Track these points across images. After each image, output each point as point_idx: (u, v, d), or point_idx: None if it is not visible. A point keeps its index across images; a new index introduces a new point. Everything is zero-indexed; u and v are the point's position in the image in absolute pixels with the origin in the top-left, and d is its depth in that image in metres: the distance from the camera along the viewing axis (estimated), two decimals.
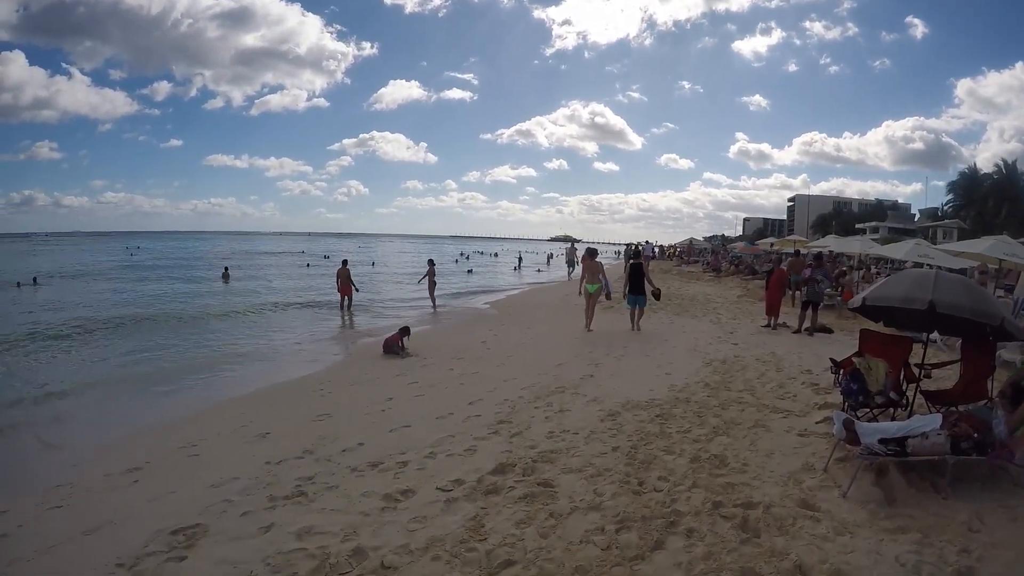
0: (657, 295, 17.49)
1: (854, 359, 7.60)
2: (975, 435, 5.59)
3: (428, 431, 7.83)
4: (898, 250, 22.95)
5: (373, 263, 56.44)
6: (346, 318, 21.35)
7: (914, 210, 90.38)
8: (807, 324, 15.10)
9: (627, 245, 40.93)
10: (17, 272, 38.42)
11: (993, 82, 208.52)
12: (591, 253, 16.99)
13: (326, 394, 10.28)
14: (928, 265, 19.19)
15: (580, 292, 16.80)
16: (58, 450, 7.82)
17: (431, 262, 23.75)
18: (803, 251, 25.33)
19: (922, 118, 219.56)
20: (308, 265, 52.93)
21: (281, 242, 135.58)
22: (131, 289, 31.57)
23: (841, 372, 7.62)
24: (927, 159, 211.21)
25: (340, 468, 6.60)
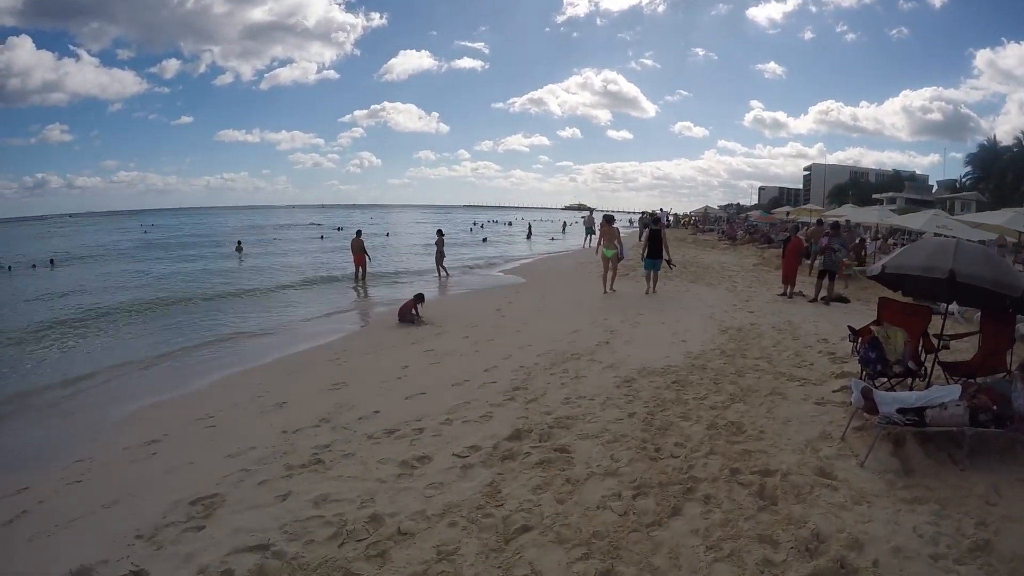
0: (670, 264, 17.59)
1: (873, 327, 7.48)
2: (994, 407, 5.48)
3: (444, 398, 7.82)
4: (916, 220, 22.56)
5: (388, 234, 56.34)
6: (360, 288, 21.37)
7: (932, 181, 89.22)
8: (823, 293, 14.91)
9: (642, 213, 40.53)
10: (33, 254, 38.65)
11: (1013, 53, 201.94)
12: (608, 219, 17.56)
13: (342, 363, 10.29)
14: (947, 236, 18.87)
15: (597, 253, 17.23)
16: (77, 426, 7.85)
17: (440, 232, 23.65)
18: (824, 220, 24.97)
19: (940, 88, 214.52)
20: (322, 237, 52.96)
21: (295, 215, 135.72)
22: (146, 269, 31.51)
23: (859, 340, 7.49)
24: (945, 130, 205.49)
25: (356, 436, 6.60)
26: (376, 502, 4.97)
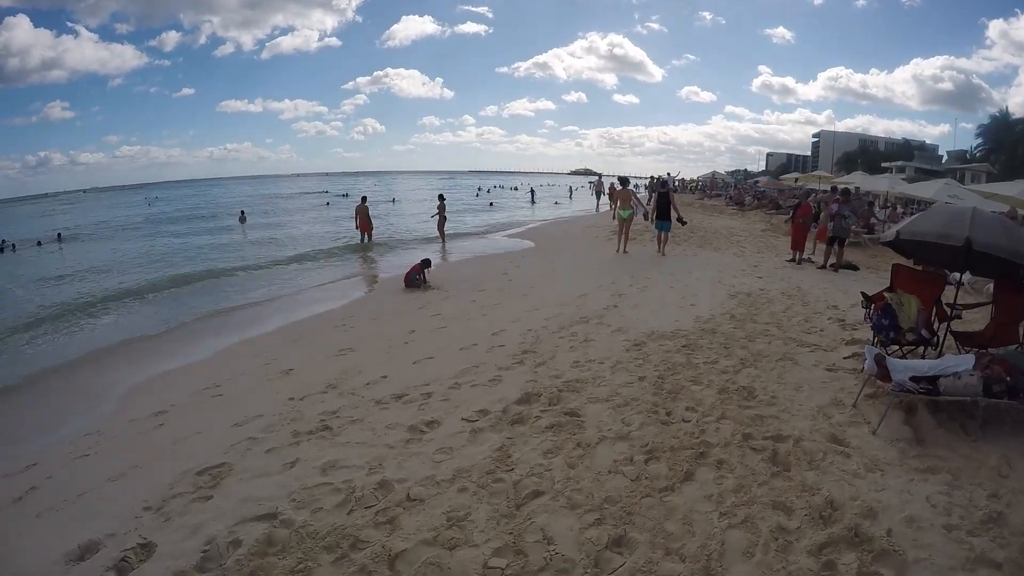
0: (682, 222, 18.03)
1: (886, 294, 7.34)
2: (1008, 379, 5.36)
3: (452, 362, 7.74)
4: (927, 189, 22.22)
5: (394, 200, 56.01)
6: (366, 254, 21.20)
7: (941, 151, 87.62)
8: (832, 260, 14.73)
9: (650, 178, 40.18)
10: (39, 231, 38.31)
11: None
12: (622, 181, 18.66)
13: (348, 329, 10.21)
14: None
15: (614, 218, 18.22)
16: (85, 400, 7.78)
17: (441, 197, 23.46)
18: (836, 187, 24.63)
19: (952, 57, 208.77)
20: (328, 204, 52.78)
21: (300, 183, 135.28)
22: (151, 242, 31.39)
23: (872, 307, 7.35)
24: (956, 100, 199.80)
25: (364, 401, 6.53)
26: (385, 468, 4.90)
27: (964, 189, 22.10)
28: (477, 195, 62.54)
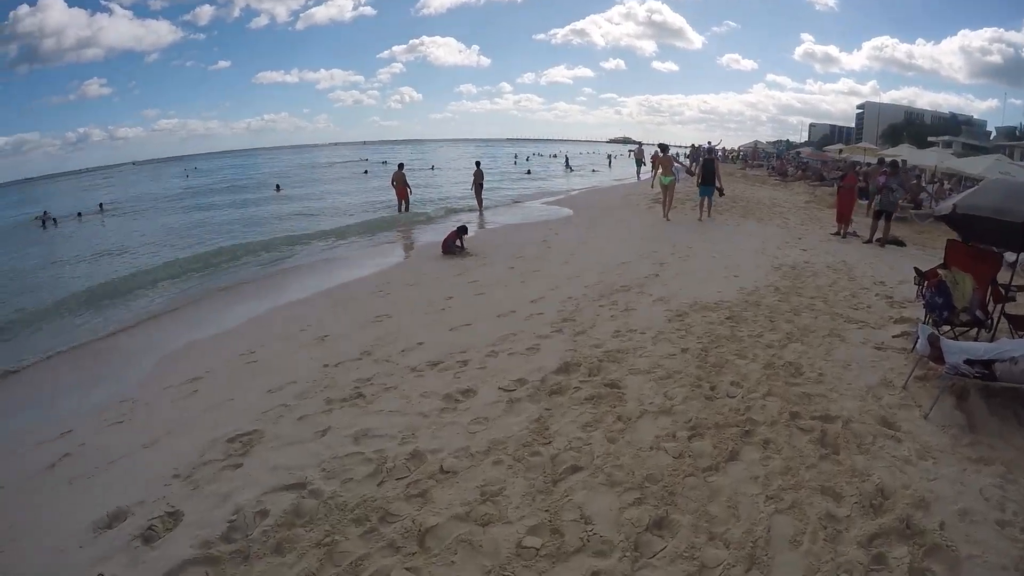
0: (720, 192, 18.46)
1: (940, 271, 6.95)
2: None
3: (489, 330, 7.55)
4: (976, 165, 21.28)
5: (433, 167, 55.78)
6: (403, 220, 21.06)
7: (990, 127, 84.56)
8: (879, 235, 14.13)
9: (691, 146, 39.35)
10: (81, 204, 39.18)
11: None
12: (663, 148, 18.40)
13: (385, 295, 10.06)
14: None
15: (652, 186, 18.74)
16: (122, 367, 7.78)
17: (477, 164, 23.16)
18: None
19: (1001, 30, 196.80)
20: (366, 172, 52.74)
21: (338, 152, 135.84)
22: (186, 215, 31.59)
23: (925, 283, 6.94)
24: (1005, 74, 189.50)
25: (399, 369, 6.38)
26: (418, 438, 4.75)
27: (1017, 166, 21.11)
28: (515, 163, 62.06)
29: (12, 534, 4.23)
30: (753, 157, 54.04)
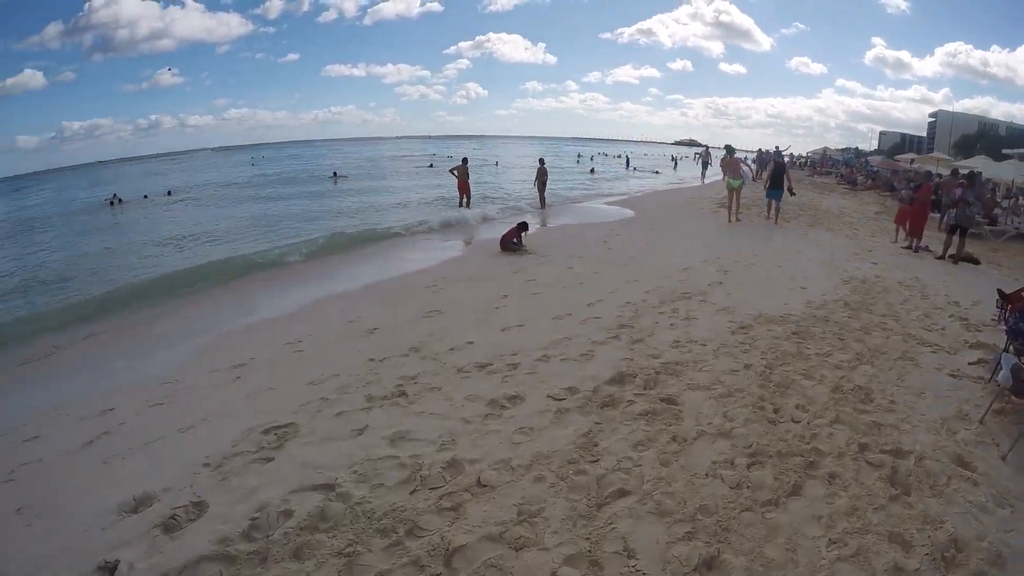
0: (791, 191, 18.50)
1: None
2: None
3: (543, 332, 7.24)
4: None
5: (497, 163, 55.70)
6: (464, 215, 20.89)
7: None
8: (952, 251, 13.27)
9: (757, 151, 38.22)
10: (149, 187, 40.55)
11: None
12: (730, 150, 18.29)
13: (439, 290, 9.85)
14: None
15: (726, 183, 18.01)
16: (169, 349, 7.77)
17: (541, 161, 22.85)
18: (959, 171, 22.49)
19: None
20: (431, 166, 52.89)
21: (404, 145, 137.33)
22: (253, 200, 32.27)
23: (1008, 307, 6.34)
24: None
25: (445, 368, 6.14)
26: (457, 445, 4.49)
27: None
28: (577, 161, 61.46)
29: (42, 509, 4.22)
30: (822, 164, 52.18)
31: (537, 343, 6.80)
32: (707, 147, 44.44)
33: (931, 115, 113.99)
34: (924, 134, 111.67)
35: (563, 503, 3.78)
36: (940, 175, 24.11)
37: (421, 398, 5.37)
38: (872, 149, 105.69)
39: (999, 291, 6.88)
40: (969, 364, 6.47)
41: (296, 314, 8.92)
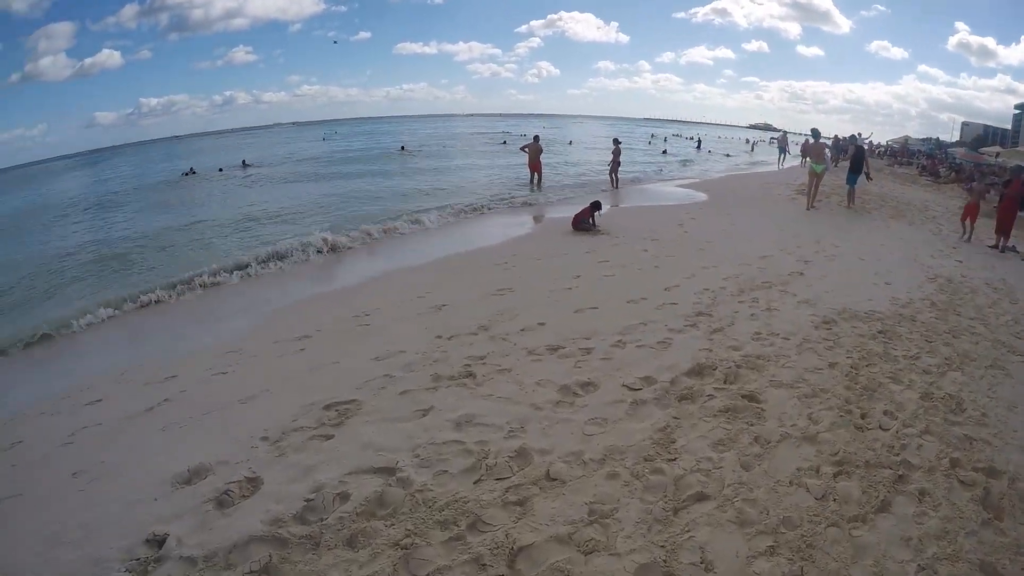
0: (868, 176, 18.37)
1: None
2: None
3: (617, 316, 6.87)
4: None
5: (570, 142, 54.93)
6: (535, 194, 20.59)
7: None
8: None
9: (834, 137, 36.62)
10: (225, 160, 41.69)
11: None
12: (815, 135, 18.27)
13: (509, 268, 9.60)
14: None
15: (804, 166, 18.37)
16: (237, 316, 7.78)
17: (616, 141, 22.29)
18: None
19: None
20: (504, 143, 52.62)
21: (475, 123, 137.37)
22: (322, 172, 32.68)
23: None
24: None
25: (515, 349, 5.86)
26: (526, 433, 4.19)
27: None
28: (650, 142, 60.21)
29: (97, 474, 4.17)
30: (902, 154, 49.50)
31: (611, 327, 6.44)
32: (785, 132, 43.00)
33: (1017, 106, 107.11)
34: (1009, 126, 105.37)
35: (637, 504, 3.46)
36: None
37: (489, 380, 5.11)
38: (954, 140, 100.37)
39: None
40: None
41: (363, 286, 8.84)
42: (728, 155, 48.39)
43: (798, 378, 5.28)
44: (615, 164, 21.87)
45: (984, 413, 4.92)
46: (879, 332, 6.68)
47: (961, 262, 11.27)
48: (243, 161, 38.35)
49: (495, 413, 4.47)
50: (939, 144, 79.15)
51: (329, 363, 5.70)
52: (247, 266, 10.72)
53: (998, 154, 42.00)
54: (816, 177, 16.94)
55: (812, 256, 10.57)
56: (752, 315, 7.06)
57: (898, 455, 4.12)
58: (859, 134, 28.18)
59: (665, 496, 3.53)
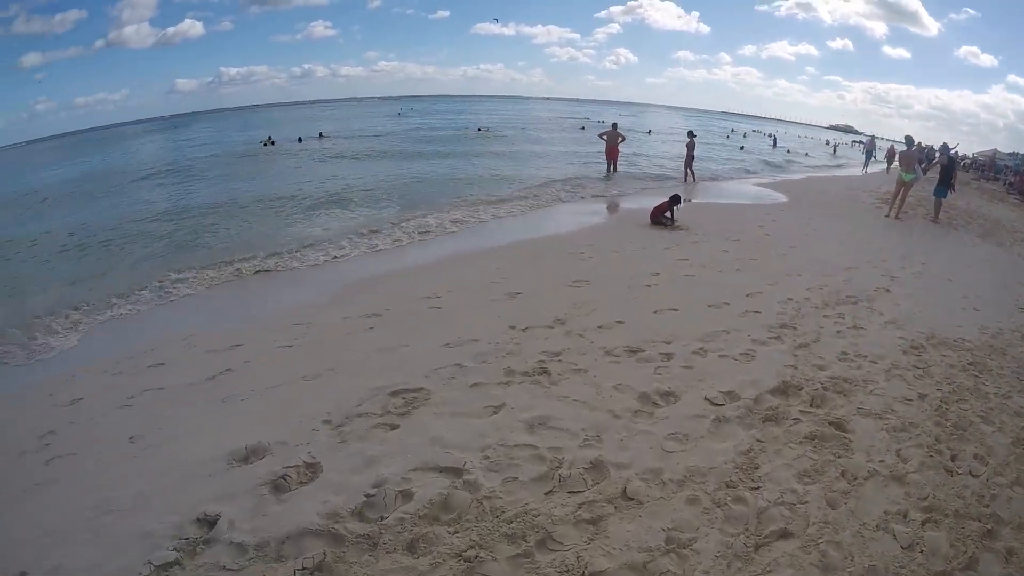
0: (952, 187, 17.74)
1: None
2: None
3: (698, 320, 6.52)
4: None
5: (649, 131, 54.13)
6: (611, 183, 20.17)
7: None
8: None
9: (917, 144, 34.81)
10: (303, 131, 42.48)
11: None
12: (909, 142, 17.88)
13: (586, 258, 9.31)
14: None
15: (889, 172, 17.68)
16: (307, 289, 7.75)
17: (691, 134, 21.67)
18: None
19: None
20: (583, 129, 52.01)
21: (551, 107, 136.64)
22: (396, 149, 32.64)
23: None
24: None
25: (592, 347, 5.58)
26: (603, 442, 3.91)
27: None
28: (728, 137, 58.83)
29: (154, 440, 4.13)
30: (989, 168, 46.25)
31: (692, 332, 6.10)
32: (873, 136, 41.30)
33: None
34: None
35: (717, 535, 3.16)
36: None
37: (565, 379, 4.85)
38: None
39: None
40: None
41: (436, 266, 8.70)
42: (807, 154, 47.00)
43: (887, 408, 4.83)
44: (689, 158, 21.37)
45: None
46: (969, 364, 6.08)
47: None
48: (320, 133, 39.56)
49: (570, 417, 4.21)
50: None
51: (398, 345, 5.55)
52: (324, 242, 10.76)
53: None
54: (904, 187, 16.65)
55: (899, 272, 9.91)
56: (838, 332, 6.58)
57: (988, 506, 3.68)
58: (946, 144, 26.68)
59: (747, 529, 3.22)
